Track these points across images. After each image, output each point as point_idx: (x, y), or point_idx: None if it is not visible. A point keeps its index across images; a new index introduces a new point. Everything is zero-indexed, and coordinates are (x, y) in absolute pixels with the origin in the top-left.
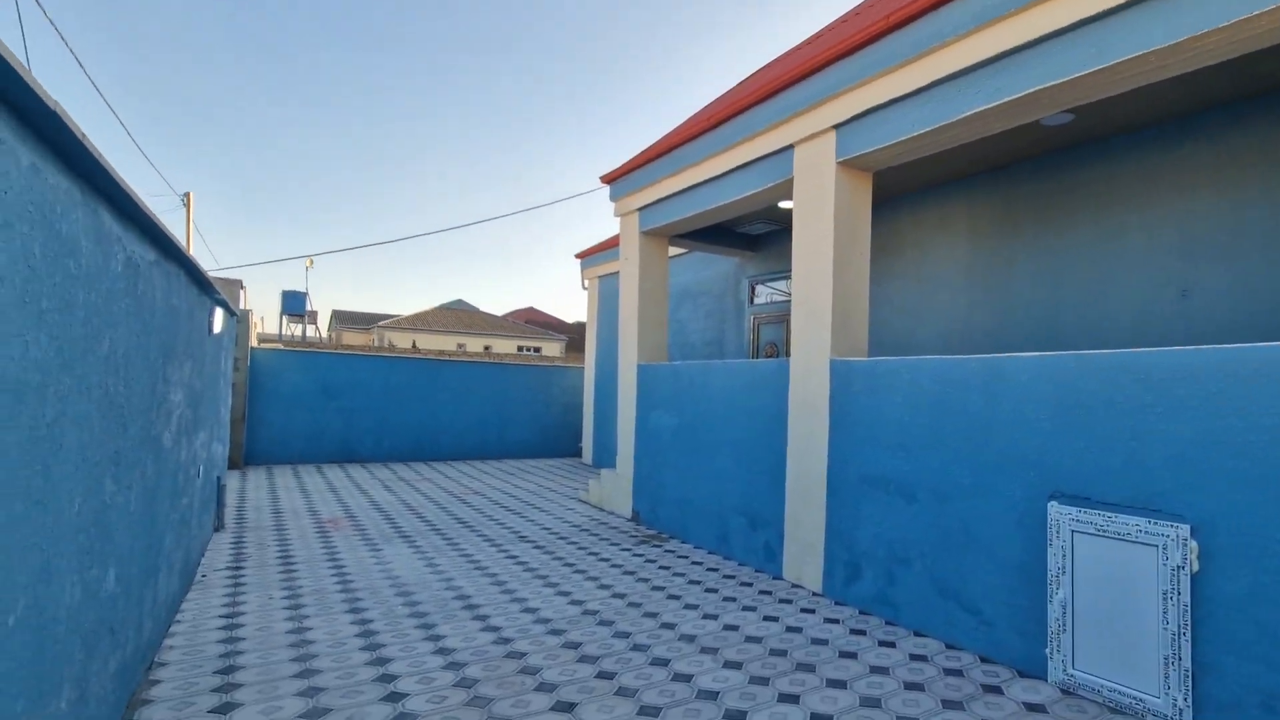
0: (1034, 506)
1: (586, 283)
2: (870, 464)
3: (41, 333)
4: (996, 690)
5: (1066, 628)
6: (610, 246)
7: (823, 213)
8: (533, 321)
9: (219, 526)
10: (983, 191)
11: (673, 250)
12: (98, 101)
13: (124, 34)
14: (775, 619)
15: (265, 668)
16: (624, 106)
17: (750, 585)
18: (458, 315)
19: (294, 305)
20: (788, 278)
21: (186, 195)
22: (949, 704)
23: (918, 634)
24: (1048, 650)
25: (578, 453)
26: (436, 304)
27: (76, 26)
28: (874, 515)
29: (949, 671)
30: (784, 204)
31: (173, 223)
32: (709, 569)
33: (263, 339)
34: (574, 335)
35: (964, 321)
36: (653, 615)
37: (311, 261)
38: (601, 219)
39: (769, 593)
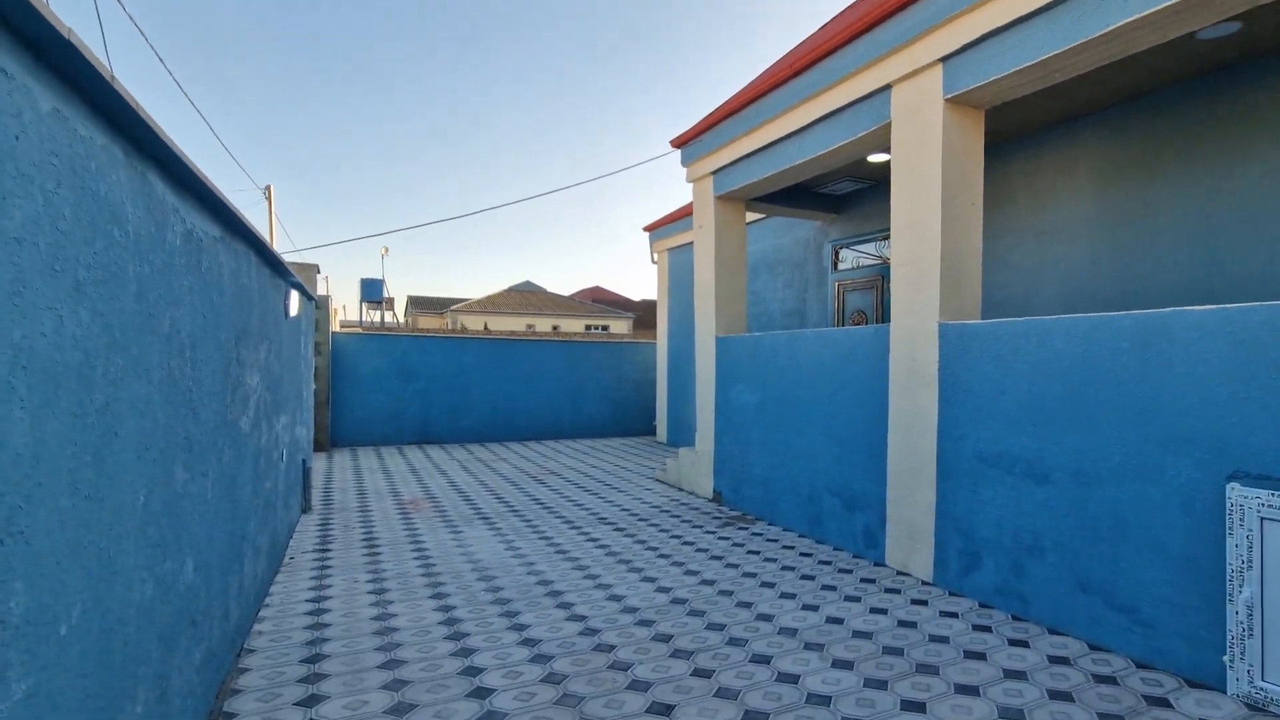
0: (1207, 489)
1: (656, 256)
2: (990, 440)
3: (80, 306)
4: (1163, 703)
5: (1253, 632)
6: (680, 218)
7: (927, 158)
8: (599, 300)
9: (306, 509)
10: (1112, 128)
11: (749, 216)
12: (178, 97)
13: (195, 29)
14: (883, 611)
15: (351, 656)
16: (695, 73)
17: (850, 572)
18: (526, 297)
19: (372, 292)
20: (876, 239)
21: (267, 188)
22: (1107, 718)
23: (1053, 632)
24: (1227, 657)
25: (652, 431)
26: (505, 286)
27: (155, 23)
28: (996, 498)
29: (1100, 678)
30: (875, 157)
31: (255, 216)
32: (802, 554)
33: (345, 325)
34: (641, 313)
35: (1091, 280)
36: (746, 605)
37: (386, 249)
38: (666, 195)
39: (871, 581)
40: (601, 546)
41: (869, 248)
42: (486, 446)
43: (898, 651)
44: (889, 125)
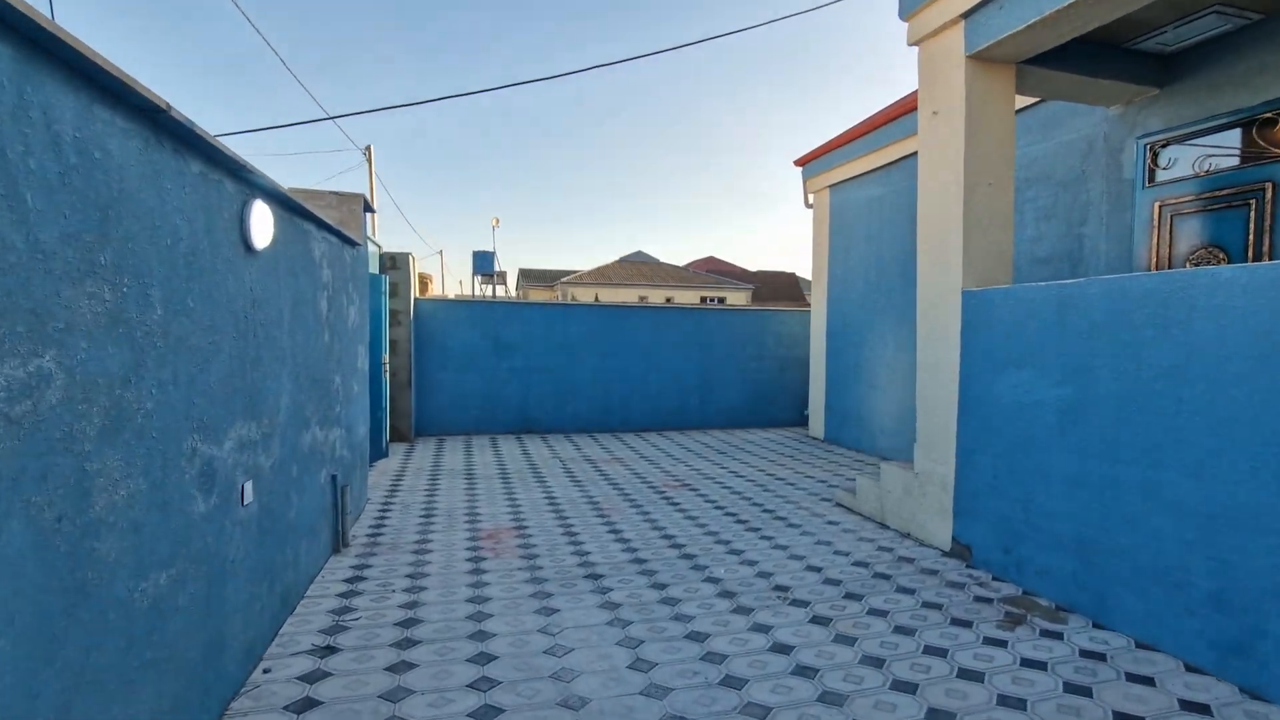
0: None
1: (812, 198)
2: None
3: None
4: None
5: None
6: (847, 142)
7: None
8: (715, 271)
9: (340, 546)
10: None
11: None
12: (264, 50)
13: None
14: None
15: None
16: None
17: None
18: (639, 268)
19: (484, 264)
20: (1256, 121)
21: (367, 148)
22: None
23: None
24: None
25: (802, 421)
26: (616, 257)
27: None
28: None
29: None
30: None
31: (357, 179)
32: None
33: (459, 299)
34: (759, 284)
35: None
36: None
37: (498, 220)
38: (787, 165)
39: None
40: (802, 672)
41: (1231, 137)
42: (597, 439)
43: None
44: None
